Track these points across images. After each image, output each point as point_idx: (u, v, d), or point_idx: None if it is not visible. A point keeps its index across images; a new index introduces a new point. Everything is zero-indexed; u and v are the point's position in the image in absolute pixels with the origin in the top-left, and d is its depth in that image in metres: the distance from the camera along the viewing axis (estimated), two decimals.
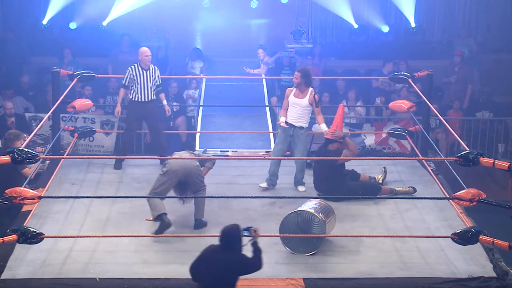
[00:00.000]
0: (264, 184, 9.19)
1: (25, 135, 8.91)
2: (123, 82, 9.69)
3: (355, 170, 9.10)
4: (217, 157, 10.60)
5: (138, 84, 9.61)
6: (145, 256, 7.27)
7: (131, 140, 10.17)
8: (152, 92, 9.68)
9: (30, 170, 8.36)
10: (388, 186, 9.01)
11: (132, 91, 9.68)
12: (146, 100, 9.66)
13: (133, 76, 9.59)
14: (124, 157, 9.59)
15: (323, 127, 8.99)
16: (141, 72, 9.58)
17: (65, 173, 9.40)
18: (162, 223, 7.69)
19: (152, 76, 9.64)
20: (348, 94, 13.13)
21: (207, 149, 10.92)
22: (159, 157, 9.11)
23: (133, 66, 9.65)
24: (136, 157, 8.00)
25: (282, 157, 9.28)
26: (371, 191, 8.78)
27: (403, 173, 9.63)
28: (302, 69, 9.22)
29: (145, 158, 9.94)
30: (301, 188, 9.11)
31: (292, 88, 9.15)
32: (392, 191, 8.88)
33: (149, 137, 10.80)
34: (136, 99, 9.66)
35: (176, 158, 7.84)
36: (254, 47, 14.70)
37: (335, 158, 8.59)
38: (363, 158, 10.35)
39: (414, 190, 8.93)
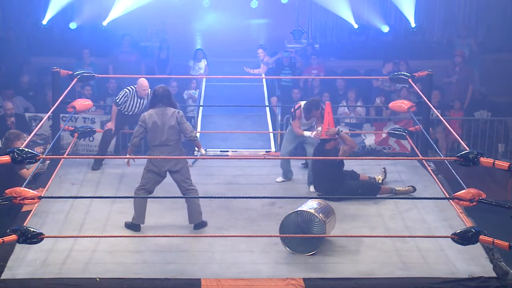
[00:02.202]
0: (280, 179, 9.36)
1: (25, 135, 8.91)
2: (117, 101, 9.68)
3: (355, 170, 9.09)
4: (217, 157, 10.63)
5: (130, 106, 9.66)
6: (145, 256, 7.27)
7: (111, 138, 10.16)
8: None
9: (29, 171, 8.35)
10: (388, 186, 9.00)
11: (123, 106, 9.71)
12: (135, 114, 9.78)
13: (128, 99, 9.62)
14: (123, 157, 9.54)
15: (307, 133, 9.08)
16: (135, 100, 9.63)
17: (65, 173, 9.39)
18: (134, 226, 7.80)
19: (146, 102, 9.66)
20: (348, 94, 13.13)
21: (207, 149, 10.93)
22: (159, 156, 9.08)
23: (130, 89, 9.62)
24: (137, 157, 7.98)
25: (282, 157, 9.28)
26: (371, 190, 8.77)
27: (403, 173, 9.62)
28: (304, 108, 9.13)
29: (145, 158, 9.92)
30: (312, 188, 9.06)
31: None
32: (392, 191, 8.87)
33: None
34: (125, 112, 9.72)
35: (167, 158, 7.83)
36: (254, 47, 14.72)
37: (337, 158, 8.58)
38: (363, 158, 10.34)
39: (414, 189, 8.92)
